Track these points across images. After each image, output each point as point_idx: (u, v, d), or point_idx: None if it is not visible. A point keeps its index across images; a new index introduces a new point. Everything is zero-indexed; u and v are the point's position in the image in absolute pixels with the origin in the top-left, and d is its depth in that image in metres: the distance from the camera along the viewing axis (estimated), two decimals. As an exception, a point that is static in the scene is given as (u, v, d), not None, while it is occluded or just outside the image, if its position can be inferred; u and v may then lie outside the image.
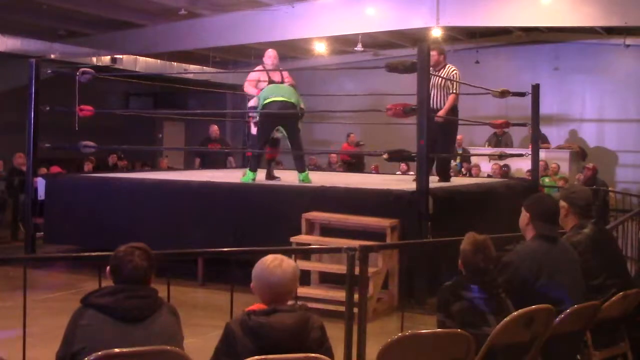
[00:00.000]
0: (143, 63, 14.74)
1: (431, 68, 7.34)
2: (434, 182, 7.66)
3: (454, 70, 8.08)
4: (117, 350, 2.58)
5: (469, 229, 3.66)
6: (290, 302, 2.94)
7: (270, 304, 2.83)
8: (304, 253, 6.50)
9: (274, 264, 2.89)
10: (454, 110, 8.14)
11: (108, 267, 2.94)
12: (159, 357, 2.67)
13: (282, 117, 7.87)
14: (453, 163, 13.18)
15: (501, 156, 11.21)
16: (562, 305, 3.44)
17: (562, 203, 4.07)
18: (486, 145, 13.75)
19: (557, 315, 3.37)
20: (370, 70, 14.05)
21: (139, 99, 19.21)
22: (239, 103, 14.50)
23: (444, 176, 8.30)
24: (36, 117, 8.40)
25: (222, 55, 17.21)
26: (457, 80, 8.03)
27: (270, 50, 8.29)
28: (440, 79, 7.92)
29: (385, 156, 7.20)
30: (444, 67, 8.09)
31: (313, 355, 2.71)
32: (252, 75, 8.51)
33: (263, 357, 2.63)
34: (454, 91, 8.01)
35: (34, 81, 8.41)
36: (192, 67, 15.73)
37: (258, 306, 2.86)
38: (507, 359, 3.22)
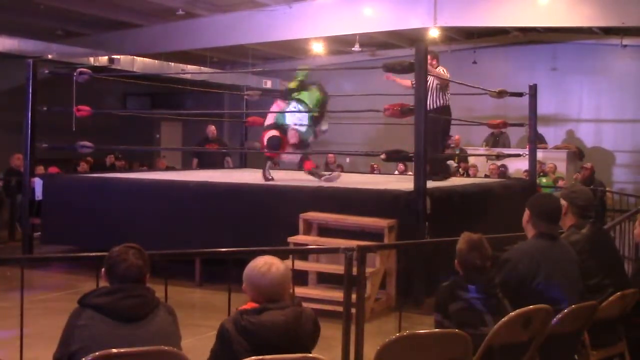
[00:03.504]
0: (140, 63, 14.72)
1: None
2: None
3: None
4: (114, 350, 2.57)
5: (466, 229, 3.66)
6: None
7: (262, 304, 2.84)
8: (302, 253, 6.50)
9: (262, 269, 2.88)
10: (443, 109, 8.20)
11: (103, 269, 2.94)
12: (157, 357, 2.67)
13: None
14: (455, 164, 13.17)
15: (498, 156, 11.23)
16: (559, 305, 3.44)
17: (562, 202, 4.08)
18: (484, 146, 13.76)
19: (555, 315, 3.37)
20: (367, 71, 14.04)
21: (136, 99, 19.19)
22: (237, 103, 14.47)
23: (434, 174, 8.38)
24: (33, 118, 8.40)
25: (220, 56, 17.22)
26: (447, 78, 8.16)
27: None
28: (432, 82, 8.01)
29: (382, 156, 7.21)
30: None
31: (311, 355, 2.72)
32: None
33: (261, 357, 2.63)
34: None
35: (31, 81, 8.40)
36: (190, 68, 15.71)
37: (251, 305, 2.86)
38: (504, 359, 3.22)
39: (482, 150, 13.37)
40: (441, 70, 8.26)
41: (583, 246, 3.93)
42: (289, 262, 4.44)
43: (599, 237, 4.11)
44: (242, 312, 2.80)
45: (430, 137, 7.93)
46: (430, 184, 7.08)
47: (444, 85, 8.21)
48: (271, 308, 2.79)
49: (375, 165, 13.68)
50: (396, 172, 12.94)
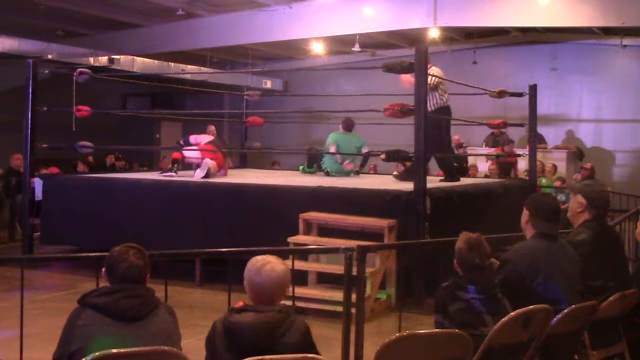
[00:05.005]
0: (140, 63, 14.72)
1: None
2: (433, 182, 7.70)
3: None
4: (114, 350, 2.57)
5: (466, 229, 3.66)
6: (282, 303, 2.93)
7: (254, 303, 2.84)
8: (302, 253, 6.50)
9: (258, 265, 2.89)
10: (441, 110, 8.18)
11: (103, 269, 2.94)
12: (157, 357, 2.66)
13: None
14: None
15: (499, 156, 11.21)
16: (559, 305, 3.44)
17: (580, 199, 4.05)
18: (483, 146, 13.76)
19: (555, 315, 3.37)
20: (367, 71, 14.05)
21: (136, 99, 19.19)
22: (237, 103, 14.47)
23: (449, 175, 8.39)
24: (33, 118, 8.40)
25: (220, 56, 17.21)
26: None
27: None
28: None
29: (382, 156, 7.21)
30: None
31: (310, 355, 2.71)
32: None
33: (260, 357, 2.63)
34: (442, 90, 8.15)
35: (31, 81, 8.40)
36: (190, 68, 15.71)
37: (242, 303, 2.87)
38: (504, 359, 3.22)
39: (482, 150, 13.37)
40: (434, 70, 8.17)
41: (590, 246, 3.91)
42: (288, 262, 4.44)
43: (606, 238, 4.09)
44: (229, 310, 2.82)
45: (434, 139, 7.94)
46: (431, 184, 7.08)
47: (433, 85, 8.14)
48: (255, 309, 2.79)
49: (370, 165, 13.68)
50: (395, 173, 12.91)
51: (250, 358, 2.61)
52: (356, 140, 9.19)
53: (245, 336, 2.72)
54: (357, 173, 9.44)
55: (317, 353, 2.84)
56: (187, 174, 8.84)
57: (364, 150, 9.23)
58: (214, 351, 2.76)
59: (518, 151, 12.32)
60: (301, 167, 10.39)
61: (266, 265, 2.88)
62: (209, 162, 8.64)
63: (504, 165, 12.23)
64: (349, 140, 9.11)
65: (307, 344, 2.84)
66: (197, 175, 8.54)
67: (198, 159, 8.90)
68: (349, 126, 9.30)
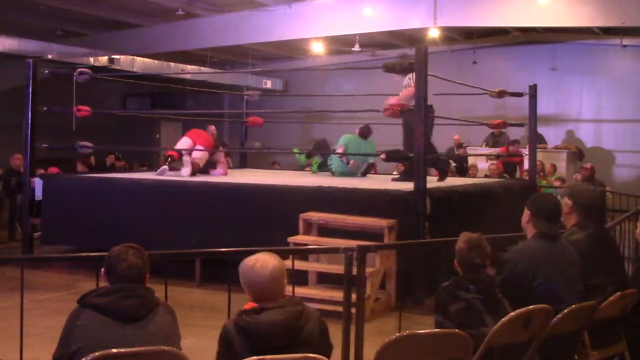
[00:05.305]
0: (140, 63, 14.73)
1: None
2: (433, 182, 7.69)
3: None
4: (114, 350, 2.57)
5: (466, 229, 3.67)
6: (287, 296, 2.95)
7: (259, 302, 2.84)
8: (302, 253, 6.50)
9: (250, 263, 2.91)
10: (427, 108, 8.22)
11: (103, 269, 2.94)
12: (157, 357, 2.67)
13: None
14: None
15: (499, 156, 11.21)
16: (559, 305, 3.44)
17: (567, 200, 4.08)
18: (483, 146, 13.76)
19: (555, 315, 3.37)
20: (367, 71, 14.05)
21: (136, 99, 19.19)
22: (237, 103, 14.48)
23: (444, 172, 8.40)
24: (33, 118, 8.40)
25: (220, 56, 17.21)
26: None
27: None
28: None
29: (382, 156, 7.22)
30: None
31: (311, 355, 2.71)
32: None
33: (261, 357, 2.63)
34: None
35: (31, 81, 8.41)
36: (190, 68, 15.72)
37: (251, 305, 2.87)
38: (504, 359, 3.22)
39: (482, 150, 13.36)
40: None
41: (584, 246, 3.92)
42: (288, 262, 4.44)
43: (601, 238, 4.10)
44: (241, 312, 2.81)
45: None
46: (431, 184, 7.08)
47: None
48: (270, 307, 2.79)
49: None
50: (395, 173, 12.92)
51: (253, 357, 2.62)
52: (365, 148, 9.11)
53: (272, 335, 2.73)
54: (365, 174, 9.41)
55: (330, 341, 2.94)
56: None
57: (370, 160, 9.21)
58: (233, 356, 2.75)
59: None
60: (296, 150, 10.35)
61: (257, 263, 2.89)
62: (189, 159, 8.76)
63: (509, 165, 12.24)
64: (359, 146, 9.07)
65: (325, 332, 2.91)
66: (185, 174, 8.62)
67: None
68: (365, 133, 9.23)
